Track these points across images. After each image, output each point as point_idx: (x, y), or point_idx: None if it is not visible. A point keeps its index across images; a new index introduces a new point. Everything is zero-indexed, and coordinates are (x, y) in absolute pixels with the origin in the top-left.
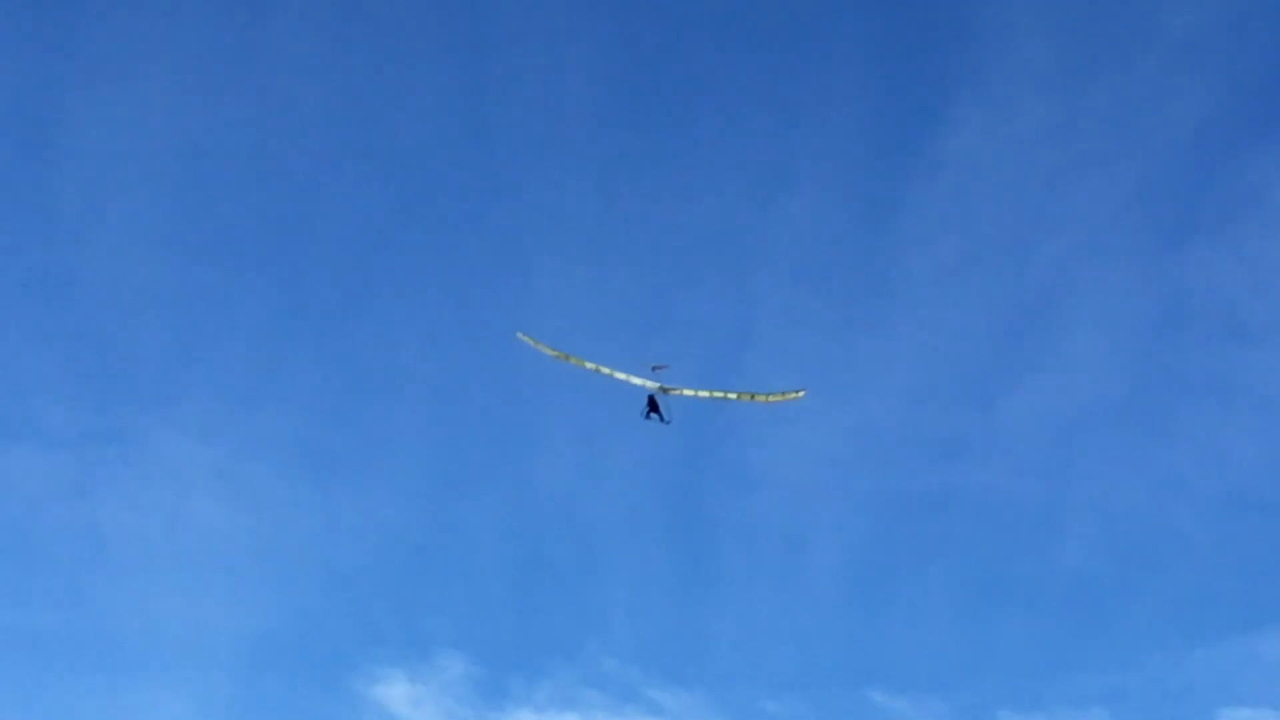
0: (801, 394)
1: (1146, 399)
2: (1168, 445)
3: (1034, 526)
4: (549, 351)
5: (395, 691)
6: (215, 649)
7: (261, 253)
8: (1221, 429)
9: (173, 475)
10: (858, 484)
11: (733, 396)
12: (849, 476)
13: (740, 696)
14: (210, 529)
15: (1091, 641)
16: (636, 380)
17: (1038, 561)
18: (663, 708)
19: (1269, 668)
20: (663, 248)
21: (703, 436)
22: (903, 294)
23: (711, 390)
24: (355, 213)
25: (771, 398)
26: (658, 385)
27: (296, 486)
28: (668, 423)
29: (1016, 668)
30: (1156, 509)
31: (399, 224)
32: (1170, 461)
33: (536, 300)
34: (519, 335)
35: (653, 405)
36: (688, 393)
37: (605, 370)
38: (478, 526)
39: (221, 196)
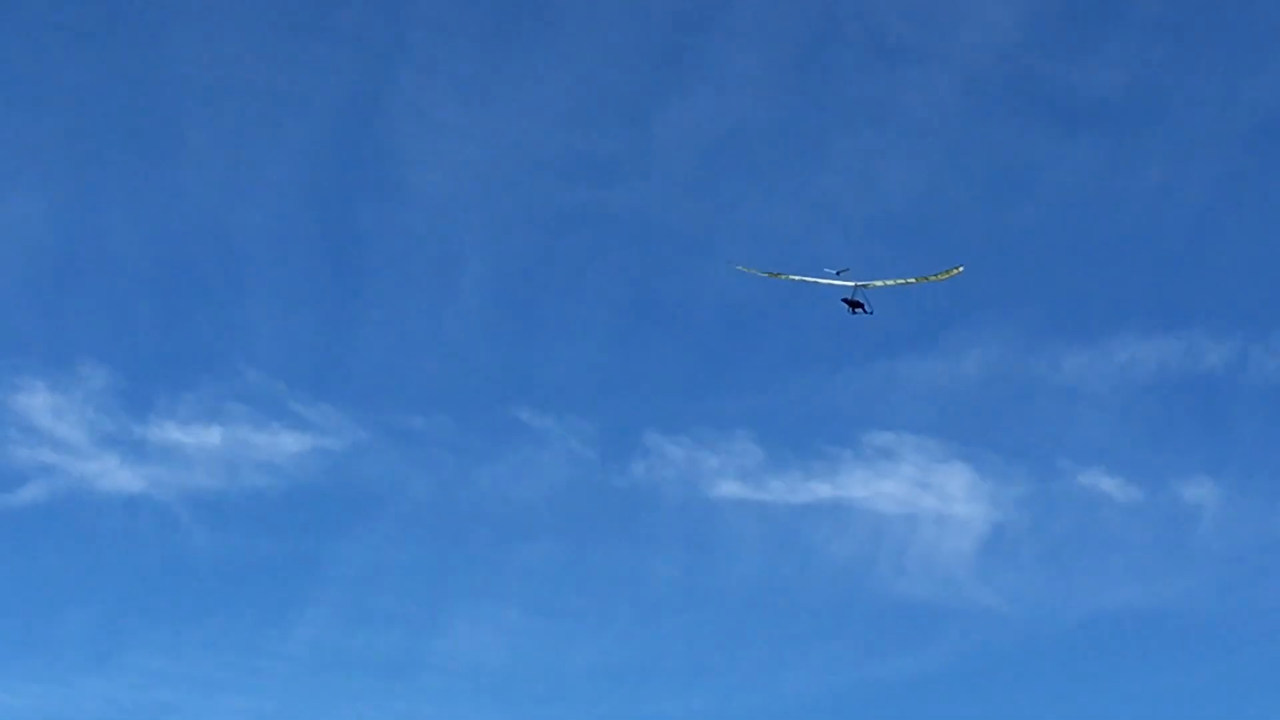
0: (960, 270)
1: (798, 121)
2: (818, 167)
3: (684, 247)
4: (762, 274)
5: (36, 401)
6: None
7: None
8: (872, 152)
9: None
10: (509, 202)
11: (912, 281)
12: (501, 194)
13: (387, 412)
14: None
15: (738, 364)
16: (836, 283)
17: (687, 282)
18: (308, 422)
19: (910, 392)
20: None
21: (354, 149)
22: (557, 10)
23: (885, 280)
24: None
25: (935, 277)
26: (852, 285)
27: None
28: (871, 313)
29: (664, 388)
30: (805, 230)
31: None
32: (820, 183)
33: None
34: (738, 267)
35: (852, 304)
36: (876, 284)
37: (813, 279)
38: (122, 234)
39: None
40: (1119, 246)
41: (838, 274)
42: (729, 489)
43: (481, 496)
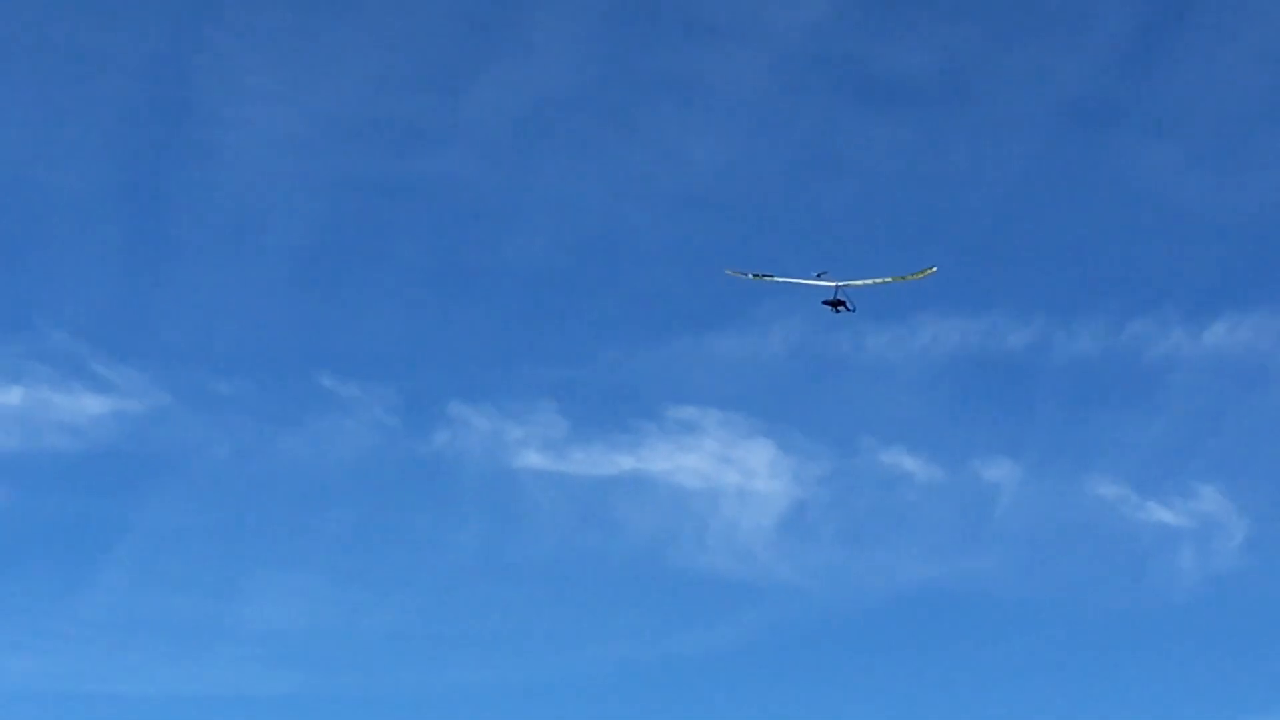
0: (934, 270)
1: (608, 94)
2: (627, 141)
3: (492, 217)
4: (750, 277)
5: None
6: None
7: None
8: (680, 128)
9: None
10: (317, 167)
11: (889, 280)
12: (309, 159)
13: (190, 375)
14: None
15: (543, 334)
16: (818, 284)
17: (494, 253)
18: (111, 384)
19: (715, 367)
20: None
21: (162, 110)
22: None
23: (863, 280)
24: None
25: (911, 277)
26: (834, 285)
27: None
28: (853, 310)
29: (468, 358)
30: (613, 205)
31: None
32: (629, 158)
33: None
34: (727, 271)
35: (834, 304)
36: (856, 284)
37: (797, 280)
38: None
39: None
40: (925, 226)
41: (818, 276)
42: (532, 460)
43: (283, 462)
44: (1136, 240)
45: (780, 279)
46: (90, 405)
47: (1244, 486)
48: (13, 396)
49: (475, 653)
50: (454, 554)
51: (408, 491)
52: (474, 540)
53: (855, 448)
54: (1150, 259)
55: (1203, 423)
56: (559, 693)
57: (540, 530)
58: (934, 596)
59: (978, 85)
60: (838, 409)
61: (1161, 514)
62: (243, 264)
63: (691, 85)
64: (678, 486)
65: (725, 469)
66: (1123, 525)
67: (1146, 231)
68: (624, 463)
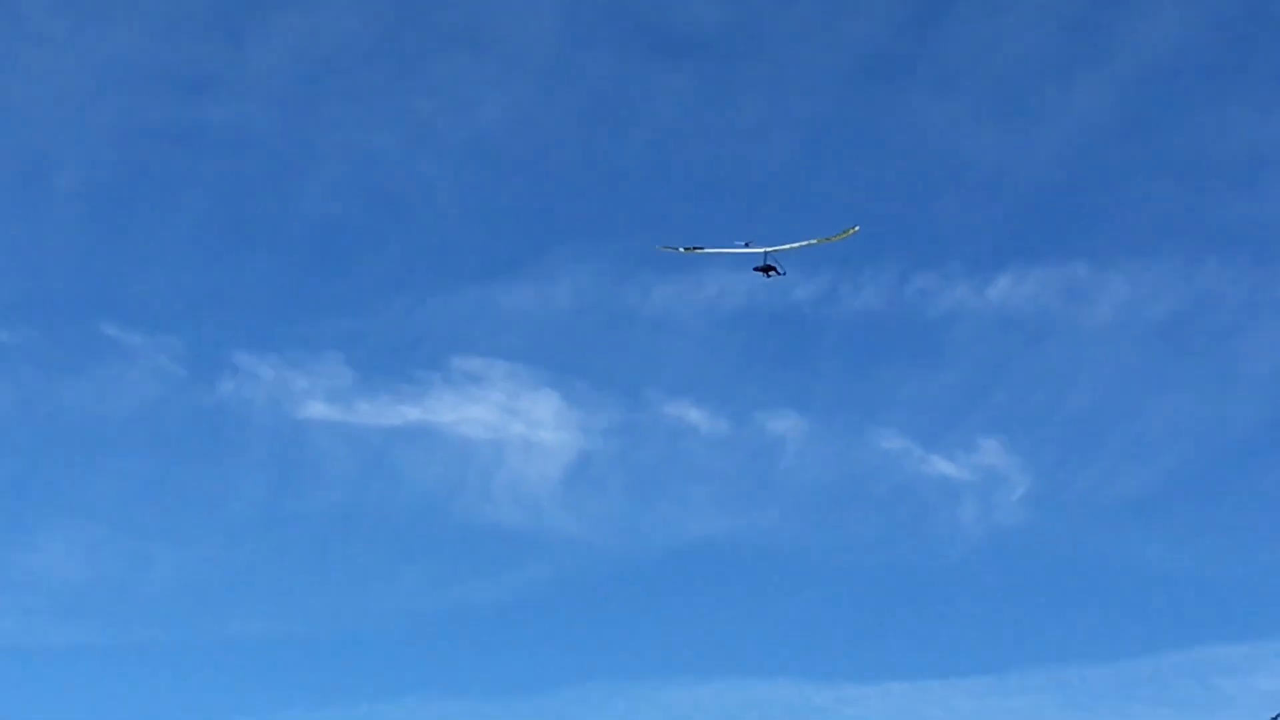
0: (856, 229)
1: (396, 43)
2: (416, 92)
3: (279, 167)
4: (687, 251)
5: None
6: None
7: None
8: (470, 79)
9: None
10: (102, 115)
11: (813, 242)
12: (94, 107)
13: None
14: None
15: (330, 285)
16: (748, 251)
17: (281, 202)
18: None
19: (501, 318)
20: None
21: None
22: None
23: (790, 244)
24: None
25: (834, 238)
26: (762, 251)
27: None
28: (783, 273)
29: (254, 308)
30: (402, 156)
31: None
32: (418, 108)
33: None
34: (658, 248)
35: (765, 269)
36: (783, 248)
37: (726, 250)
38: None
39: None
40: (714, 179)
41: (745, 244)
42: (318, 410)
43: (66, 411)
44: (922, 195)
45: (710, 250)
46: None
47: (1025, 440)
48: None
49: (261, 603)
50: (239, 504)
51: (193, 441)
52: (259, 491)
53: (641, 400)
54: (936, 214)
55: (986, 377)
56: (345, 643)
57: (326, 481)
58: (718, 548)
59: (768, 39)
60: (624, 361)
61: (944, 467)
62: (25, 210)
63: (481, 36)
64: (463, 437)
65: (511, 420)
66: (906, 478)
67: (932, 186)
68: (410, 413)
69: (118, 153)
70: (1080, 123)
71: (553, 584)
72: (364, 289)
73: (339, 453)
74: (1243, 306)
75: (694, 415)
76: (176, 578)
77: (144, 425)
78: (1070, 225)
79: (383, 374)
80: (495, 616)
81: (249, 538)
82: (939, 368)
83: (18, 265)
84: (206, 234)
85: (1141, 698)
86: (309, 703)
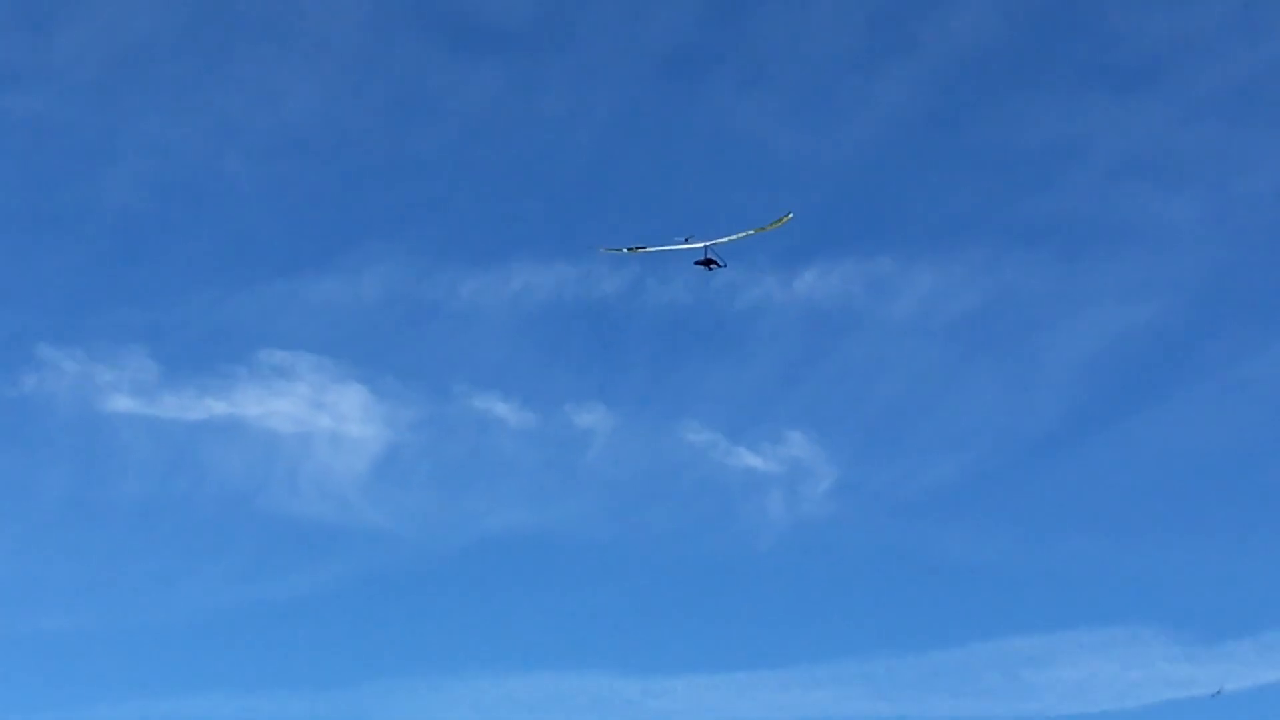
0: (790, 216)
1: (203, 36)
2: (222, 84)
3: (83, 158)
4: (630, 251)
5: None
6: None
7: None
8: (275, 71)
9: None
10: None
11: (751, 233)
12: None
13: None
14: None
15: (134, 278)
16: (689, 247)
17: (85, 194)
18: None
19: (308, 311)
20: None
21: None
22: None
23: (729, 236)
24: None
25: (769, 226)
26: (703, 246)
27: None
28: (724, 265)
29: (57, 300)
30: (207, 148)
31: None
32: (224, 101)
33: None
34: (601, 249)
35: (706, 263)
36: (722, 241)
37: (668, 248)
38: None
39: None
40: (519, 173)
41: (686, 240)
42: (122, 404)
43: None
44: (728, 188)
45: (653, 249)
46: None
47: (830, 432)
48: None
49: (65, 598)
50: (43, 498)
51: None
52: (63, 484)
53: (448, 393)
54: (742, 207)
55: (792, 370)
56: (149, 638)
57: (131, 475)
58: (526, 540)
59: (574, 32)
60: (431, 354)
61: (751, 459)
62: None
63: (286, 29)
64: (270, 431)
65: (318, 414)
66: (712, 470)
67: (739, 179)
68: (216, 407)
69: None
70: (884, 117)
71: (360, 577)
72: (169, 282)
73: (144, 447)
74: (1044, 301)
75: (501, 408)
76: None
77: None
78: (875, 219)
79: (188, 367)
80: (302, 610)
81: (53, 532)
82: (745, 361)
83: None
84: (9, 225)
85: (946, 688)
86: (113, 697)
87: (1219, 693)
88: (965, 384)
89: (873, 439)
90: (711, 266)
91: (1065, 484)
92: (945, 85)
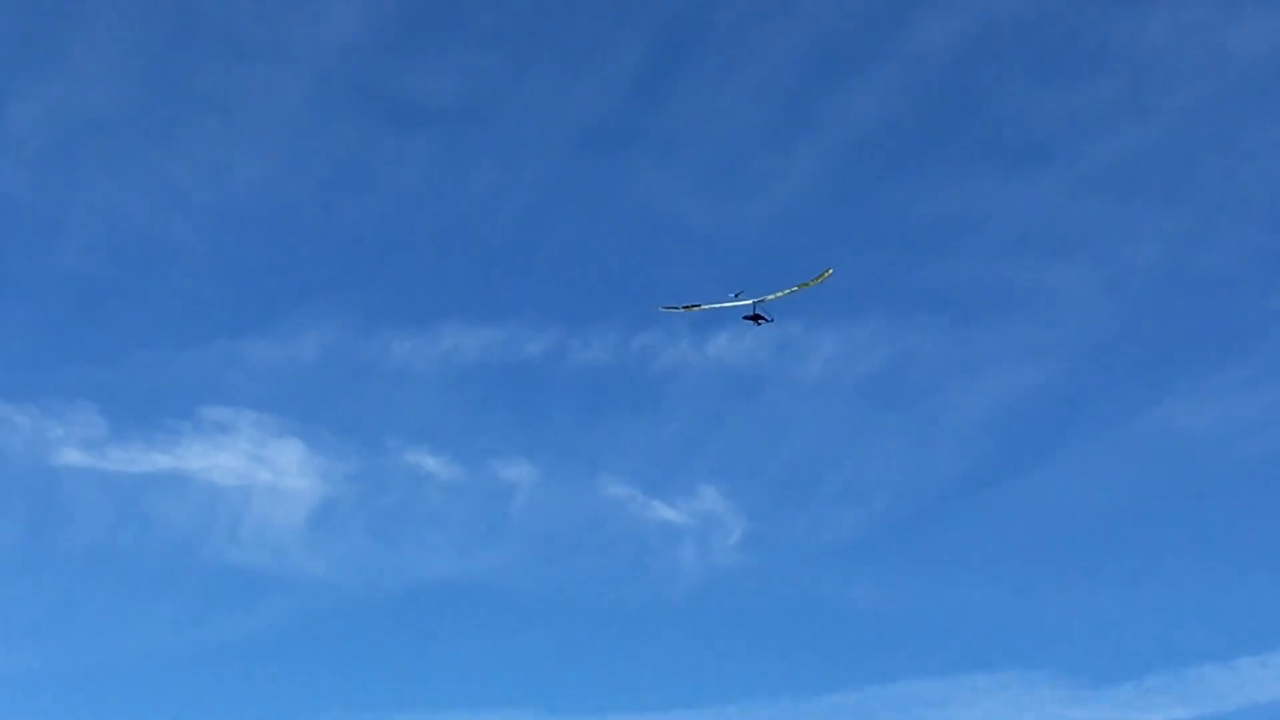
0: (830, 271)
1: (150, 110)
2: (169, 156)
3: (36, 226)
4: (685, 309)
5: None
6: None
7: None
8: (220, 144)
9: None
10: None
11: (795, 289)
12: None
13: None
14: None
15: (84, 337)
16: (739, 304)
17: (37, 259)
18: None
19: (248, 370)
20: None
21: None
22: None
23: (776, 293)
24: None
25: (812, 282)
26: (751, 303)
27: None
28: (771, 320)
29: (10, 358)
30: (155, 216)
31: None
32: (170, 171)
33: None
34: (660, 309)
35: (755, 319)
36: (770, 298)
37: (722, 305)
38: None
39: None
40: (449, 242)
41: (736, 296)
42: (72, 457)
43: None
44: (645, 258)
45: (707, 306)
46: None
47: (741, 487)
48: None
49: (13, 643)
50: None
51: None
52: (13, 534)
53: (381, 448)
54: (658, 275)
55: (705, 428)
56: (94, 681)
57: (79, 525)
58: (454, 588)
59: (500, 109)
60: (365, 411)
61: (666, 512)
62: None
63: (231, 103)
64: (212, 484)
65: (258, 467)
66: (630, 523)
67: (654, 250)
68: (161, 461)
69: None
70: (792, 191)
71: (297, 623)
72: (117, 342)
73: (92, 498)
74: (943, 363)
75: (431, 463)
76: None
77: None
78: (780, 283)
79: (135, 423)
80: (243, 654)
81: (4, 577)
82: (661, 419)
83: None
84: None
85: None
86: None
87: None
88: (869, 441)
89: (781, 493)
90: (760, 321)
91: (962, 536)
92: (849, 161)
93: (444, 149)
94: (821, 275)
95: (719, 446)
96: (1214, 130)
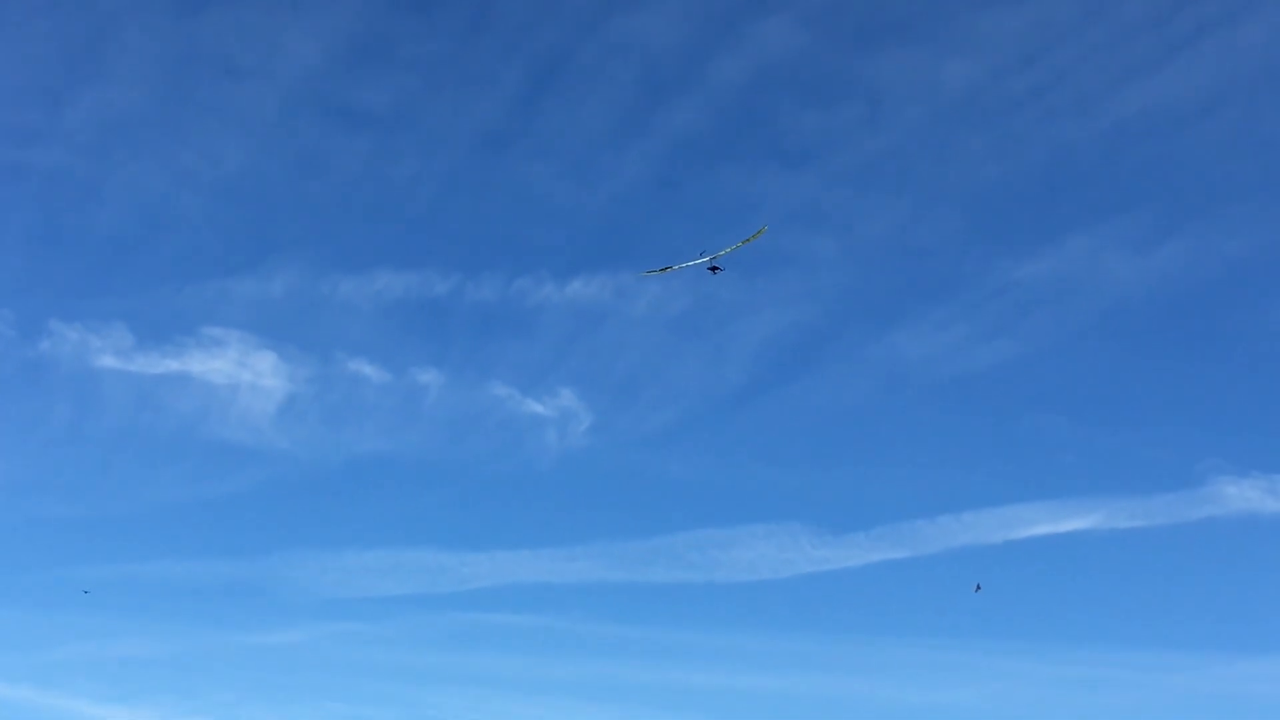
0: (765, 229)
1: (168, 111)
2: (179, 146)
3: (84, 195)
4: (662, 270)
5: None
6: None
7: None
8: (218, 137)
9: None
10: None
11: (740, 244)
12: None
13: None
14: None
15: (117, 276)
16: (699, 262)
17: (85, 219)
18: None
19: (236, 301)
20: None
21: None
22: None
23: (726, 248)
24: None
25: (752, 238)
26: (708, 259)
27: None
28: (723, 270)
29: (65, 290)
30: (169, 189)
31: None
32: (180, 157)
33: None
34: (644, 273)
35: (713, 269)
36: (723, 253)
37: (690, 263)
38: None
39: None
40: (382, 211)
41: (701, 254)
42: (108, 362)
43: None
44: (523, 225)
45: (678, 266)
46: None
47: (590, 390)
48: None
49: (64, 497)
50: (51, 426)
51: (16, 387)
52: (64, 418)
53: (331, 358)
54: (519, 240)
55: (564, 347)
56: (123, 525)
57: (112, 412)
58: (383, 460)
59: (420, 116)
60: (320, 332)
61: (535, 407)
62: None
63: (225, 107)
64: (209, 383)
65: (242, 371)
66: (510, 415)
67: (530, 219)
68: (172, 365)
69: None
70: (630, 180)
71: (270, 483)
72: (142, 279)
73: (122, 392)
74: (731, 304)
75: (367, 369)
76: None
77: None
78: (621, 248)
79: (154, 338)
80: (230, 505)
81: (58, 448)
82: (533, 341)
83: None
84: (30, 240)
85: (663, 563)
86: (110, 560)
87: (978, 588)
88: (679, 359)
89: (618, 395)
90: (716, 270)
91: (745, 428)
92: (671, 159)
93: (379, 145)
94: (758, 232)
95: (574, 361)
96: (930, 140)
